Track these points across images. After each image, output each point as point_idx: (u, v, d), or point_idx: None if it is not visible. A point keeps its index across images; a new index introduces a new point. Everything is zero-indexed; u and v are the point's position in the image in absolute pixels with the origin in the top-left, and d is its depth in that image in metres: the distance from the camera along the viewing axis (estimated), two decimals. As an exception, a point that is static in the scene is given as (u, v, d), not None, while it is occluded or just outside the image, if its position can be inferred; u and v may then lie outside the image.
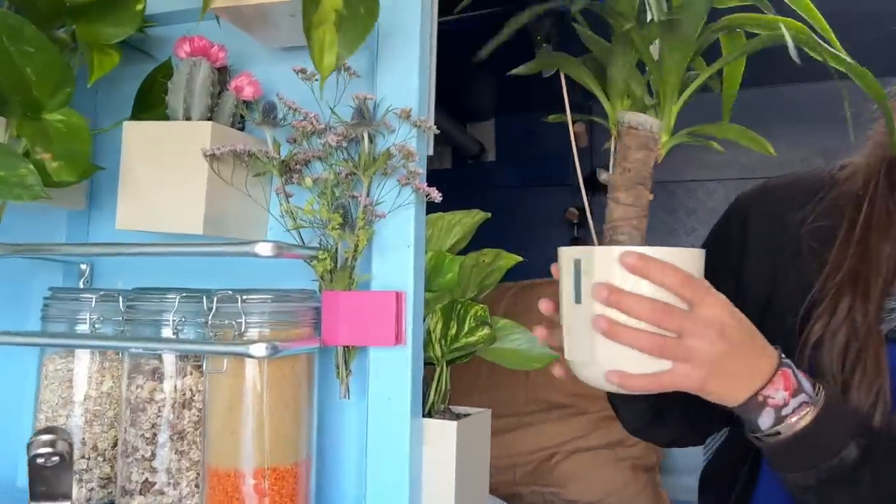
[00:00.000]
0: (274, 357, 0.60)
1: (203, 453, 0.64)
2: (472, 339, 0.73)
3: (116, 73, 0.76)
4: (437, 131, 0.69)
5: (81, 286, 0.81)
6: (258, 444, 0.62)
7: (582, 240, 1.96)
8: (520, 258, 0.81)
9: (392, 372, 0.66)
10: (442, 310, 0.73)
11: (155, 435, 0.66)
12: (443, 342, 0.73)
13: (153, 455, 0.66)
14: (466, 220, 0.74)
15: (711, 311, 0.50)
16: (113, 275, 0.82)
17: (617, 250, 0.50)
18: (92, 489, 0.71)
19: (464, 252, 0.78)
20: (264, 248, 0.59)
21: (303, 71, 0.66)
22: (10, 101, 0.61)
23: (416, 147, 0.67)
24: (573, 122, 0.64)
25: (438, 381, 0.75)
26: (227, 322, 0.62)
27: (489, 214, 0.78)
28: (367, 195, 0.66)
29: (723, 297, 0.51)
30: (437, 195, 0.66)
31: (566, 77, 0.61)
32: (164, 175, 0.67)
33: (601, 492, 1.29)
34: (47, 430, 0.51)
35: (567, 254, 0.54)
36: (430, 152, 0.71)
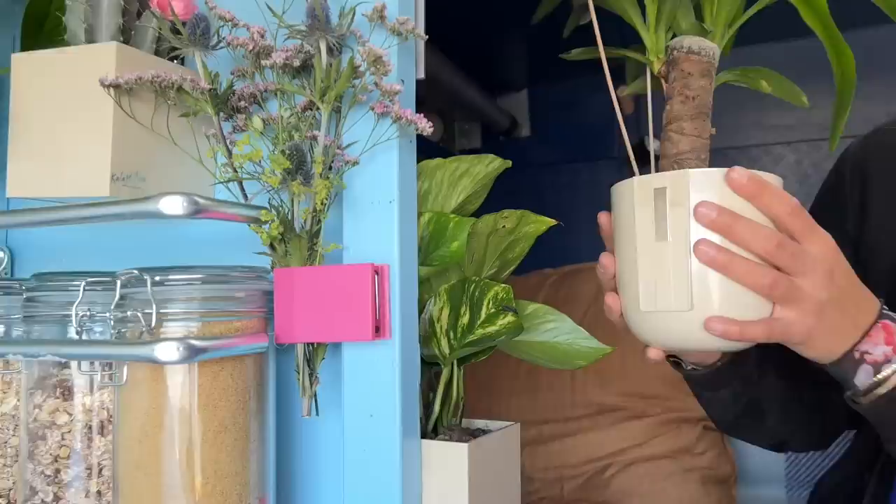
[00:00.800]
0: (197, 361, 0.42)
1: (113, 499, 0.46)
2: (490, 329, 0.54)
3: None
4: (426, 37, 0.49)
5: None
6: (185, 486, 0.44)
7: (631, 219, 1.74)
8: (552, 221, 0.61)
9: (373, 378, 0.47)
10: (448, 292, 0.53)
11: (59, 472, 0.49)
12: (451, 335, 0.54)
13: (56, 499, 0.49)
14: (477, 169, 0.55)
15: (821, 250, 0.44)
16: (36, 261, 0.65)
17: (718, 171, 0.43)
18: (-7, 543, 0.54)
19: (477, 215, 0.58)
20: (171, 205, 0.41)
21: (236, -36, 0.48)
22: None
23: (397, 66, 0.48)
24: (615, 88, 0.54)
25: (447, 387, 0.56)
26: (134, 312, 0.44)
27: (509, 163, 0.58)
28: (328, 133, 0.47)
29: (829, 235, 0.45)
30: (426, 125, 0.47)
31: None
32: (62, 122, 0.50)
33: (666, 509, 1.09)
34: None
35: (644, 183, 0.45)
36: (421, 74, 0.52)
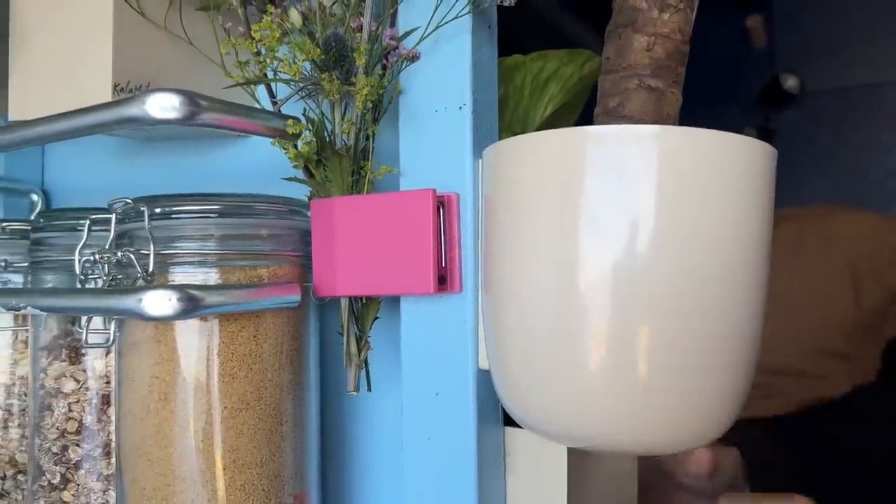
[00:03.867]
0: (192, 317, 0.31)
1: (117, 488, 0.37)
2: None
3: None
4: None
5: (33, 217, 0.57)
6: (200, 476, 0.34)
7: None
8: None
9: (439, 344, 0.35)
10: None
11: (66, 448, 0.41)
12: None
13: (65, 481, 0.40)
14: (569, 70, 0.41)
15: None
16: (76, 204, 0.57)
17: None
18: (12, 522, 0.47)
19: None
20: (162, 104, 0.30)
21: None
22: None
23: (470, -81, 0.35)
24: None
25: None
26: (127, 255, 0.34)
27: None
28: (375, 18, 0.35)
29: None
30: (506, -5, 0.33)
31: None
32: (62, 28, 0.41)
33: None
34: None
35: None
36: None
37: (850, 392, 0.71)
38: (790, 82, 1.46)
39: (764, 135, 1.52)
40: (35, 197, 0.57)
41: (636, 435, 0.30)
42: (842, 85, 1.43)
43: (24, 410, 0.47)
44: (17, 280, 0.46)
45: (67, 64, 0.41)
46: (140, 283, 0.33)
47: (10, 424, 0.47)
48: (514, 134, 0.40)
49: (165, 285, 0.31)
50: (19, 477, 0.47)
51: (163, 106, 0.30)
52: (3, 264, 0.45)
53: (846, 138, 1.43)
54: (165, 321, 0.32)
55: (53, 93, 0.41)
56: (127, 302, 0.30)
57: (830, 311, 1.08)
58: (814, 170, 1.46)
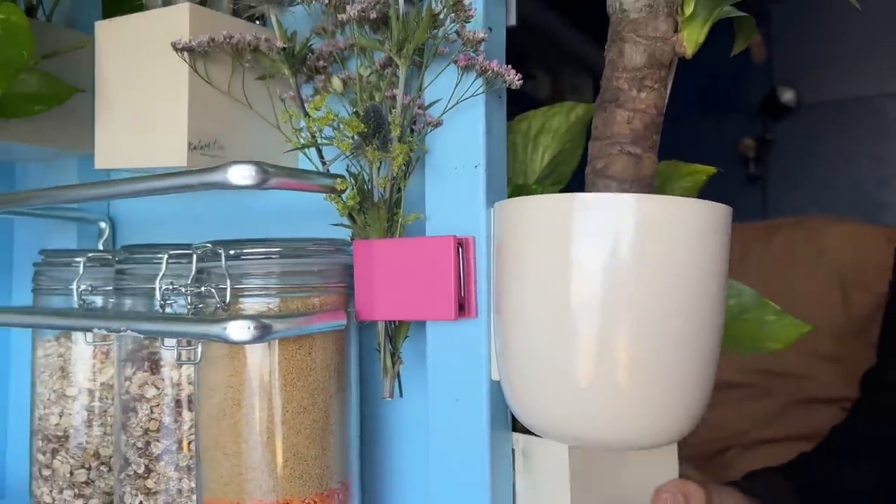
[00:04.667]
0: (267, 341, 0.39)
1: (196, 476, 0.45)
2: None
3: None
4: (513, -21, 0.44)
5: (101, 248, 0.65)
6: (264, 467, 0.42)
7: (760, 178, 1.59)
8: (712, 169, 0.51)
9: (459, 359, 0.43)
10: None
11: (149, 444, 0.49)
12: None
13: (147, 471, 0.49)
14: (557, 122, 0.48)
15: None
16: (136, 232, 0.65)
17: None
18: (97, 507, 0.55)
19: (575, 176, 0.52)
20: (240, 174, 0.38)
21: None
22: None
23: (482, 12, 0.43)
24: None
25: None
26: (209, 288, 0.42)
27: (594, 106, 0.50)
28: (407, 91, 0.43)
29: None
30: (515, 77, 0.41)
31: None
32: (141, 90, 0.49)
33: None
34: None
35: None
36: (512, 21, 0.46)
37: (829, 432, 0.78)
38: (787, 95, 1.53)
39: (762, 144, 1.59)
40: (103, 224, 0.65)
41: (619, 433, 0.38)
42: (836, 98, 1.50)
43: (104, 411, 0.55)
44: (98, 301, 0.54)
45: (146, 122, 0.49)
46: (219, 311, 0.41)
47: (93, 423, 0.55)
48: (518, 184, 0.47)
49: (244, 316, 0.39)
50: (101, 468, 0.55)
51: (241, 175, 0.38)
52: (89, 288, 0.53)
53: (840, 148, 1.50)
54: (240, 344, 0.40)
55: (134, 147, 0.49)
56: (214, 329, 0.38)
57: (822, 317, 1.14)
58: (809, 178, 1.52)
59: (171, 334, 0.41)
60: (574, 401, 0.38)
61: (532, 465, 0.45)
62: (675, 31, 0.40)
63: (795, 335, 0.46)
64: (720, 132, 1.60)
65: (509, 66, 0.41)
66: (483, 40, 0.40)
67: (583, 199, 0.36)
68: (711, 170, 0.49)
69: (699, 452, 1.11)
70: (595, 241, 0.36)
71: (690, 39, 0.40)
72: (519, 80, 0.41)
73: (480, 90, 0.42)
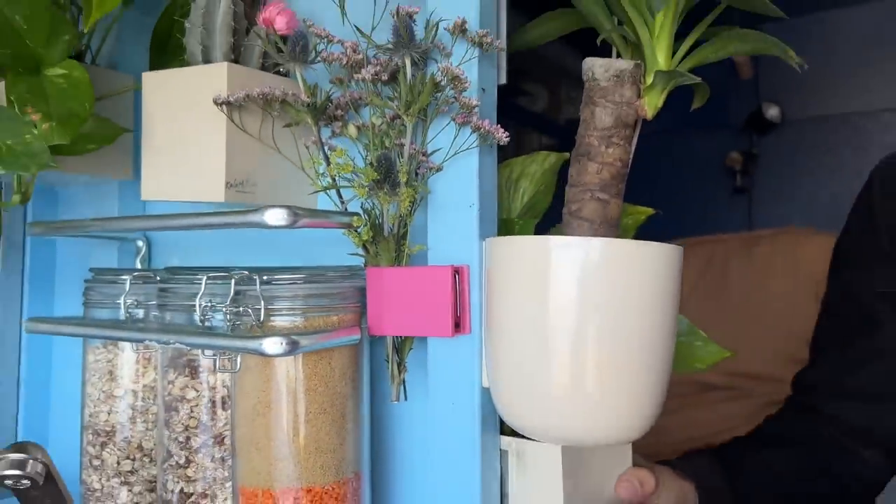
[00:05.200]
0: (297, 353, 0.47)
1: (232, 466, 0.53)
2: None
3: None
4: (502, 47, 0.52)
5: (138, 264, 0.73)
6: (291, 459, 0.50)
7: (747, 190, 1.66)
8: (650, 210, 0.60)
9: (454, 369, 0.51)
10: None
11: (189, 439, 0.57)
12: None
13: (188, 462, 0.57)
14: (532, 169, 0.56)
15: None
16: (170, 251, 0.73)
17: None
18: (140, 493, 0.63)
19: (548, 212, 0.59)
20: (275, 216, 0.46)
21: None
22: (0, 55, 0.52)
23: (478, 74, 0.51)
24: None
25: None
26: (246, 309, 0.50)
27: (565, 155, 0.55)
28: (413, 141, 0.51)
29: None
30: (502, 135, 0.49)
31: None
32: (183, 134, 0.56)
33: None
34: (18, 447, 0.43)
35: None
36: (503, 80, 0.54)
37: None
38: (772, 111, 1.61)
39: (749, 158, 1.67)
40: (140, 243, 0.73)
41: (587, 433, 0.46)
42: (818, 115, 1.57)
43: (146, 410, 0.63)
44: (140, 314, 0.62)
45: (188, 162, 0.56)
46: (254, 328, 0.49)
47: (137, 420, 0.63)
48: (503, 218, 0.55)
49: (277, 332, 0.47)
50: (144, 459, 0.63)
51: (276, 217, 0.46)
52: (134, 303, 0.61)
53: (822, 162, 1.57)
54: (274, 357, 0.48)
55: (177, 183, 0.57)
56: (252, 344, 0.46)
57: (797, 323, 1.21)
58: (793, 190, 1.60)
59: (215, 347, 0.49)
60: (550, 406, 0.46)
61: (525, 464, 0.52)
62: (639, 96, 0.48)
63: (717, 358, 0.55)
64: (709, 146, 1.68)
65: (498, 126, 0.49)
66: (475, 106, 0.48)
67: (556, 241, 0.44)
68: (650, 211, 0.57)
69: (679, 451, 1.19)
70: (566, 276, 0.44)
71: (651, 104, 0.47)
72: (506, 137, 0.49)
73: (475, 144, 0.50)
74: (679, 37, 0.49)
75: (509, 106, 1.82)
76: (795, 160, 1.65)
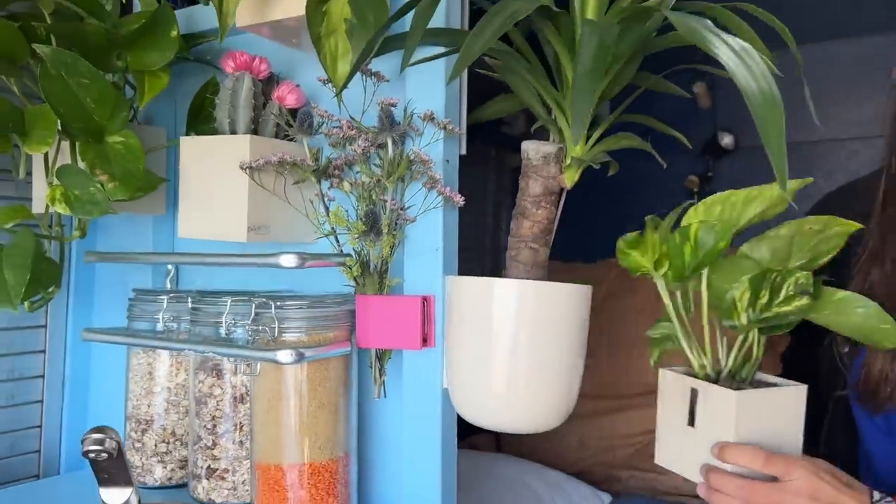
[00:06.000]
0: (302, 363, 0.63)
1: (250, 447, 0.69)
2: (787, 308, 0.62)
3: (190, 87, 0.82)
4: (461, 132, 0.67)
5: (168, 284, 0.89)
6: (296, 441, 0.66)
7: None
8: (859, 225, 0.66)
9: (423, 375, 0.67)
10: (750, 281, 0.62)
11: (215, 426, 0.73)
12: (750, 311, 0.62)
13: (214, 444, 0.72)
14: (768, 195, 0.65)
15: (798, 483, 0.57)
16: (194, 274, 0.89)
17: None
18: (173, 470, 0.79)
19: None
20: (288, 260, 0.62)
21: (329, 80, 0.67)
22: (72, 127, 0.67)
23: (443, 149, 0.67)
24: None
25: (740, 348, 0.64)
26: (263, 328, 0.66)
27: (810, 179, 0.63)
28: (394, 199, 0.67)
29: (808, 461, 0.58)
30: (458, 199, 0.65)
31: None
32: (213, 187, 0.72)
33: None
34: (98, 430, 0.58)
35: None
36: (463, 151, 0.70)
37: None
38: (726, 139, 1.77)
39: (705, 181, 1.84)
40: (170, 267, 0.89)
41: (516, 423, 0.62)
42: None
43: (178, 403, 0.79)
44: (174, 327, 0.77)
45: (216, 208, 0.72)
46: (270, 342, 0.65)
47: (170, 411, 0.79)
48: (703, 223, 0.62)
49: (287, 346, 0.63)
50: (176, 442, 0.79)
51: (288, 260, 0.62)
52: (171, 317, 0.76)
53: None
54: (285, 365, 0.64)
55: (207, 225, 0.73)
56: (269, 354, 0.62)
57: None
58: (745, 212, 1.75)
59: (240, 356, 0.65)
60: (490, 402, 0.61)
61: (707, 403, 0.61)
62: (561, 172, 0.64)
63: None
64: (670, 170, 1.84)
65: (456, 192, 0.65)
66: (439, 179, 0.64)
67: (497, 282, 0.60)
68: (857, 226, 0.65)
69: (630, 444, 1.36)
70: (504, 307, 0.60)
71: (569, 179, 0.63)
72: (462, 200, 0.65)
73: (440, 203, 0.66)
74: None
75: (491, 131, 1.97)
76: (746, 183, 1.81)
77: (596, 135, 0.65)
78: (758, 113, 0.47)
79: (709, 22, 0.52)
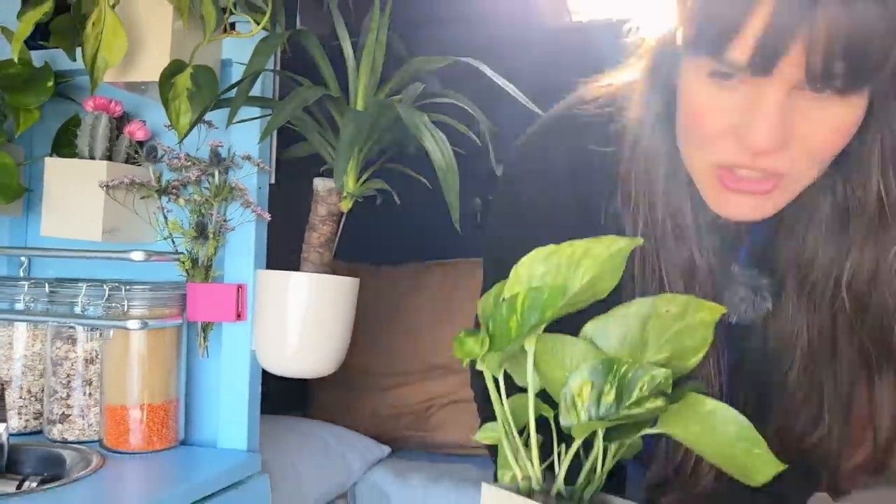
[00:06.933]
0: (145, 329, 0.87)
1: (101, 395, 0.92)
2: (637, 410, 0.49)
3: (48, 113, 1.02)
4: (270, 169, 0.96)
5: (21, 274, 1.07)
6: (138, 388, 0.90)
7: (480, 228, 2.23)
8: (723, 308, 0.52)
9: (236, 339, 0.94)
10: (592, 371, 0.50)
11: (69, 382, 0.94)
12: (592, 408, 0.50)
13: (68, 396, 0.94)
14: (597, 250, 0.52)
15: None
16: (45, 265, 1.08)
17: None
18: (27, 420, 0.99)
19: (615, 294, 0.53)
20: (137, 255, 0.87)
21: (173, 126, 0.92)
22: (-41, 148, 0.87)
23: (257, 180, 0.94)
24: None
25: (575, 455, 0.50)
26: (116, 305, 0.89)
27: (639, 241, 0.52)
28: (219, 213, 0.93)
29: None
30: (266, 215, 0.93)
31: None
32: (74, 198, 0.94)
33: (465, 435, 1.59)
34: (-15, 376, 0.78)
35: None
36: (272, 181, 0.98)
37: None
38: (500, 170, 2.19)
39: (485, 203, 2.23)
40: (23, 259, 1.07)
41: (303, 370, 0.91)
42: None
43: (34, 367, 0.99)
44: (37, 308, 0.97)
45: (77, 215, 0.93)
46: (120, 315, 0.88)
47: (27, 374, 0.98)
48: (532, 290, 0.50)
49: (135, 317, 0.87)
50: (31, 398, 0.98)
51: (138, 256, 0.86)
52: (31, 298, 0.96)
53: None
54: (133, 331, 0.88)
55: (68, 227, 0.94)
56: (121, 323, 0.86)
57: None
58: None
59: (98, 325, 0.88)
60: (285, 357, 0.90)
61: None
62: (340, 201, 0.94)
63: (774, 470, 0.47)
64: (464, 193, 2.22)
65: (265, 211, 0.92)
66: (251, 203, 0.91)
67: (292, 275, 0.89)
68: (723, 309, 0.52)
69: (413, 411, 1.69)
70: (296, 293, 0.88)
71: (346, 206, 0.93)
72: (268, 216, 0.93)
73: (253, 218, 0.93)
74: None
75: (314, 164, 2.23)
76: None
77: (366, 176, 0.96)
78: (442, 176, 0.80)
79: (425, 117, 0.84)
